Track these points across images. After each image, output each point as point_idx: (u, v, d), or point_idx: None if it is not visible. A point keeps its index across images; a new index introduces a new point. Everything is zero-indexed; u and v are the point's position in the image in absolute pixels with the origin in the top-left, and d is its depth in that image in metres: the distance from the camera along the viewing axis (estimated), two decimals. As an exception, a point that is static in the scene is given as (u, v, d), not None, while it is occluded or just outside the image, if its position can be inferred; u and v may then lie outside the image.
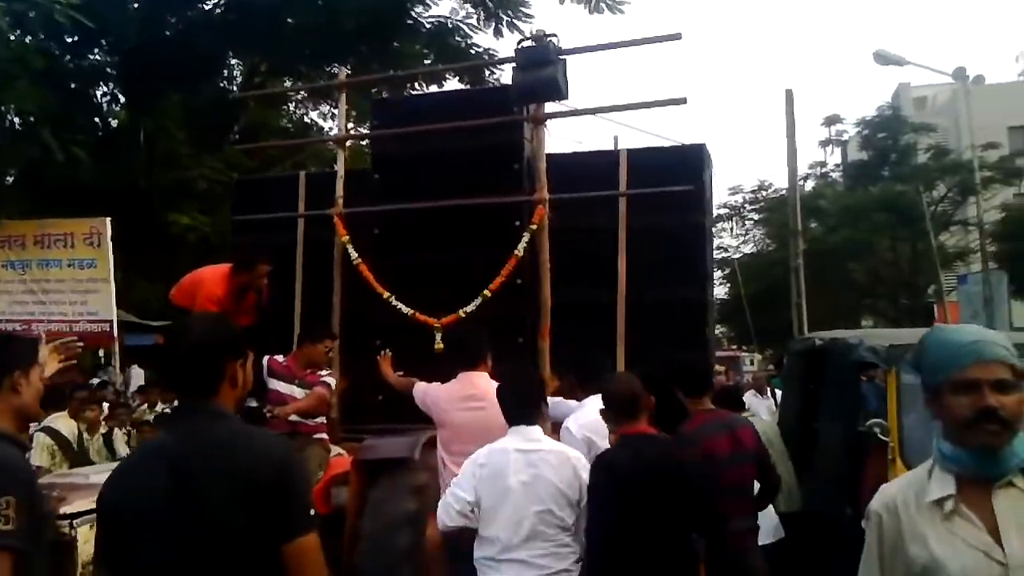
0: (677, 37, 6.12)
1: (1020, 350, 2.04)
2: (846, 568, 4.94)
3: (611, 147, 10.36)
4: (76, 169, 13.24)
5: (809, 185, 29.18)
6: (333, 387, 5.88)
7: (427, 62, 15.98)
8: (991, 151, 23.09)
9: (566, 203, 6.11)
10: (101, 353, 14.59)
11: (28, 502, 2.54)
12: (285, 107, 20.98)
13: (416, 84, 16.13)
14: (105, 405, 8.77)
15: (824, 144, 30.88)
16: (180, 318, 6.05)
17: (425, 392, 5.00)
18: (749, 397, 10.11)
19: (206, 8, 15.60)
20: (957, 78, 21.26)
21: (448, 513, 3.93)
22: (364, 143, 10.05)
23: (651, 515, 3.60)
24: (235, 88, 18.28)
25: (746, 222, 31.30)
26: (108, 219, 11.45)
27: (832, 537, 5.10)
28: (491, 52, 15.73)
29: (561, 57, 5.87)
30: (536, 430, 3.92)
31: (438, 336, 5.92)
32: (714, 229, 10.81)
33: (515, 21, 15.58)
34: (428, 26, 15.90)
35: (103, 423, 8.21)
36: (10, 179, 15.09)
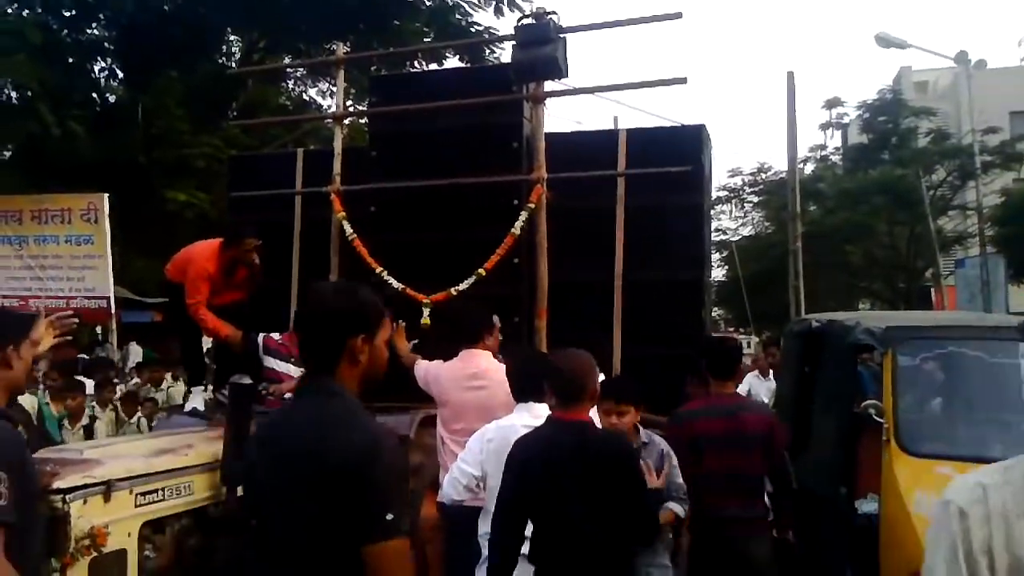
0: (678, 16, 6.07)
1: (1016, 333, 2.03)
2: (839, 546, 5.00)
3: (610, 127, 10.28)
4: (73, 145, 13.23)
5: (809, 168, 29.15)
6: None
7: (427, 40, 15.92)
8: (991, 136, 23.04)
9: (564, 182, 6.08)
10: (99, 330, 14.60)
11: (20, 476, 2.54)
12: (283, 84, 20.93)
13: (415, 62, 16.07)
14: (90, 384, 8.68)
15: (824, 127, 30.87)
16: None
17: (427, 370, 4.98)
18: (751, 379, 10.12)
19: (204, -18, 15.51)
20: (959, 62, 21.17)
21: (455, 487, 3.96)
22: (363, 121, 10.01)
23: (555, 505, 3.34)
24: (233, 65, 18.22)
25: (745, 204, 31.26)
26: (106, 195, 11.43)
27: (826, 516, 5.12)
28: (491, 31, 15.67)
29: (561, 35, 5.83)
30: (543, 407, 3.92)
31: (425, 312, 5.89)
32: (712, 211, 10.79)
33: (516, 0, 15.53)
34: (428, 3, 15.84)
35: (87, 407, 8.05)
36: (7, 154, 15.06)
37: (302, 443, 2.09)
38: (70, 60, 14.80)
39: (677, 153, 6.09)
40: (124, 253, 14.03)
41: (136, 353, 14.62)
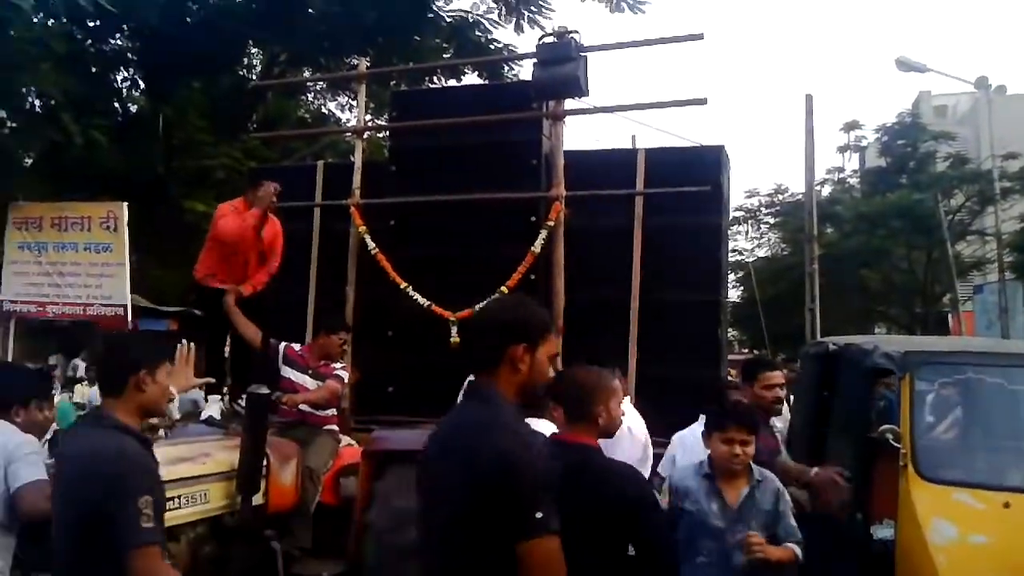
0: (699, 37, 6.09)
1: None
2: (854, 572, 4.94)
3: (629, 146, 10.30)
4: (95, 153, 13.33)
5: (826, 190, 29.06)
6: (346, 380, 5.88)
7: (447, 56, 15.99)
8: (1011, 161, 22.95)
9: (582, 201, 6.10)
10: (114, 337, 14.66)
11: (159, 498, 2.64)
12: (303, 97, 21.06)
13: (435, 78, 16.15)
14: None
15: (842, 150, 30.73)
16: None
17: None
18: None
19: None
20: (979, 87, 21.14)
21: None
22: (382, 135, 10.06)
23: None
24: (254, 77, 18.36)
25: (761, 226, 31.20)
26: (125, 204, 11.54)
27: (840, 541, 5.07)
28: (511, 48, 15.73)
29: (582, 54, 5.86)
30: (545, 423, 3.89)
31: (454, 330, 5.90)
32: (729, 232, 10.76)
33: (536, 17, 15.60)
34: (449, 20, 15.91)
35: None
36: (29, 161, 15.19)
37: (459, 444, 2.26)
38: (93, 70, 14.94)
39: (696, 173, 6.09)
40: (142, 262, 14.13)
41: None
